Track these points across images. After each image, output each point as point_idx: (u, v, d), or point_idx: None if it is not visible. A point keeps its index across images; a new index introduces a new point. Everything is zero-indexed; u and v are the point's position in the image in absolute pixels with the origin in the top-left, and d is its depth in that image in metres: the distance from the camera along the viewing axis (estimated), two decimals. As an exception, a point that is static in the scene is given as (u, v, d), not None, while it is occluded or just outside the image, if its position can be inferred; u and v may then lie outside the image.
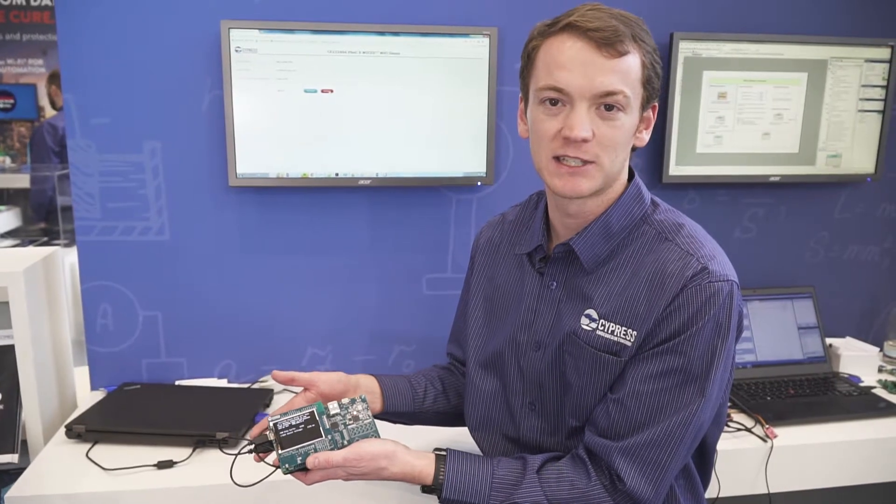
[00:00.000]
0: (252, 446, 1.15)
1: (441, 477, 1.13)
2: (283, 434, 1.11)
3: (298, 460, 1.10)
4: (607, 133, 1.07)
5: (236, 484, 1.20)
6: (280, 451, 1.10)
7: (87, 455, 1.55)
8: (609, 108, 1.06)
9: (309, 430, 1.12)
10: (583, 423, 1.19)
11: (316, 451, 1.10)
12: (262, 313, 1.97)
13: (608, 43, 1.04)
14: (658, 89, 1.12)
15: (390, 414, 1.35)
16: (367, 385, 1.32)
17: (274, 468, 1.14)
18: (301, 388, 1.27)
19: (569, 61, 1.06)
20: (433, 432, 1.50)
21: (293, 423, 1.13)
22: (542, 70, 1.09)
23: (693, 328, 1.08)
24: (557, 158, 1.09)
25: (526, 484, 1.11)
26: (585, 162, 1.08)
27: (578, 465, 1.14)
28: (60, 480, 1.46)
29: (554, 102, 1.08)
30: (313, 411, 1.14)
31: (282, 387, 1.93)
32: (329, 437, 1.12)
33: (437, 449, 1.17)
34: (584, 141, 1.06)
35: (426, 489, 1.15)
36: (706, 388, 1.09)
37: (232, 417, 1.66)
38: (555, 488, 1.11)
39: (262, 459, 1.16)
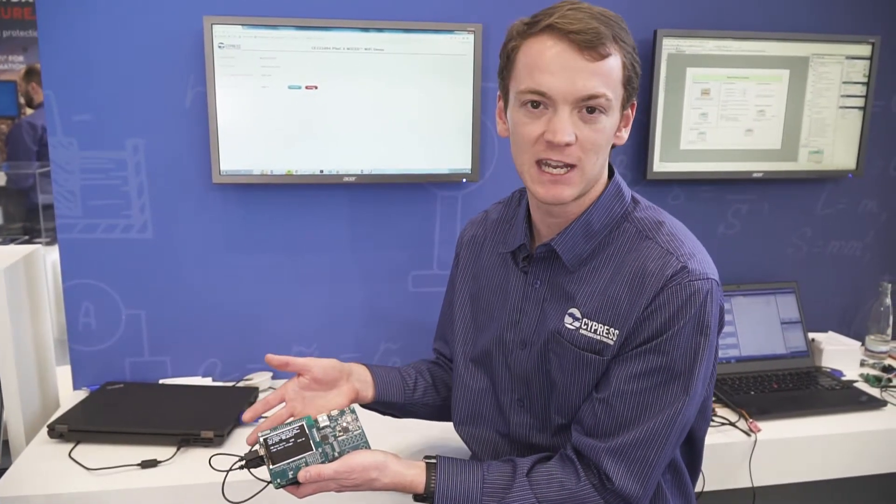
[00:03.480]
0: (242, 462, 1.15)
1: (432, 485, 1.13)
2: (273, 449, 1.11)
3: (290, 475, 1.10)
4: (590, 136, 1.07)
5: (230, 502, 1.20)
6: (271, 467, 1.10)
7: (69, 455, 1.53)
8: (591, 110, 1.06)
9: (299, 444, 1.12)
10: (568, 421, 1.19)
11: (307, 464, 1.10)
12: (247, 311, 1.96)
13: (590, 46, 1.03)
14: (637, 88, 1.12)
15: (381, 404, 1.35)
16: (359, 373, 1.31)
17: (265, 483, 1.14)
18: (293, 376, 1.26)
19: (550, 64, 1.05)
20: (425, 427, 1.50)
21: (283, 437, 1.13)
22: (524, 72, 1.08)
23: (674, 327, 1.08)
24: (539, 163, 1.09)
25: (516, 487, 1.12)
26: (567, 167, 1.08)
27: (567, 465, 1.14)
28: (43, 481, 1.44)
29: (536, 105, 1.07)
30: (303, 425, 1.14)
31: (267, 385, 1.92)
32: (319, 450, 1.12)
33: (426, 456, 1.17)
34: (568, 145, 1.06)
35: (417, 498, 1.15)
36: (690, 387, 1.10)
37: (216, 416, 1.65)
38: (545, 489, 1.12)
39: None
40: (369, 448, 1.15)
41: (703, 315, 1.09)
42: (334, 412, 1.17)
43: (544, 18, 1.06)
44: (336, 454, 1.13)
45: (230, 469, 1.17)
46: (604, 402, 1.12)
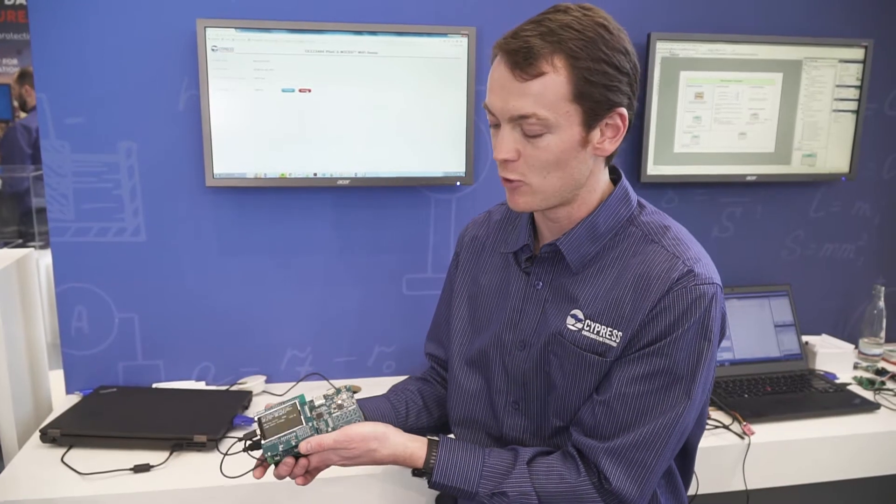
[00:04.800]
0: (244, 444, 1.18)
1: (432, 461, 1.14)
2: (266, 426, 1.16)
3: (280, 448, 1.13)
4: (532, 153, 1.07)
5: (225, 476, 1.23)
6: (263, 442, 1.14)
7: (62, 460, 1.53)
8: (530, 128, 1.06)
9: (290, 420, 1.16)
10: (567, 424, 1.19)
11: (297, 438, 1.14)
12: (241, 315, 1.95)
13: (519, 66, 1.03)
14: (605, 100, 1.06)
15: None
16: None
17: (260, 461, 1.16)
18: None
19: (493, 83, 1.08)
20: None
21: (276, 415, 1.17)
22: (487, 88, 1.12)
23: (678, 330, 1.08)
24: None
25: (515, 474, 1.13)
26: (516, 181, 1.10)
27: (569, 460, 1.14)
28: (35, 485, 1.44)
29: (493, 120, 1.11)
30: (295, 403, 1.18)
31: (261, 389, 1.92)
32: (310, 424, 1.16)
33: (430, 436, 1.19)
34: (506, 161, 1.08)
35: (416, 472, 1.17)
36: (692, 391, 1.10)
37: (210, 420, 1.64)
38: (543, 481, 1.12)
39: (263, 475, 1.17)
40: (363, 421, 1.18)
41: (707, 320, 1.09)
42: (330, 391, 1.21)
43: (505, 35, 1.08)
44: (329, 429, 1.16)
45: (229, 449, 1.23)
46: (604, 403, 1.12)
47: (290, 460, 1.15)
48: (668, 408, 1.09)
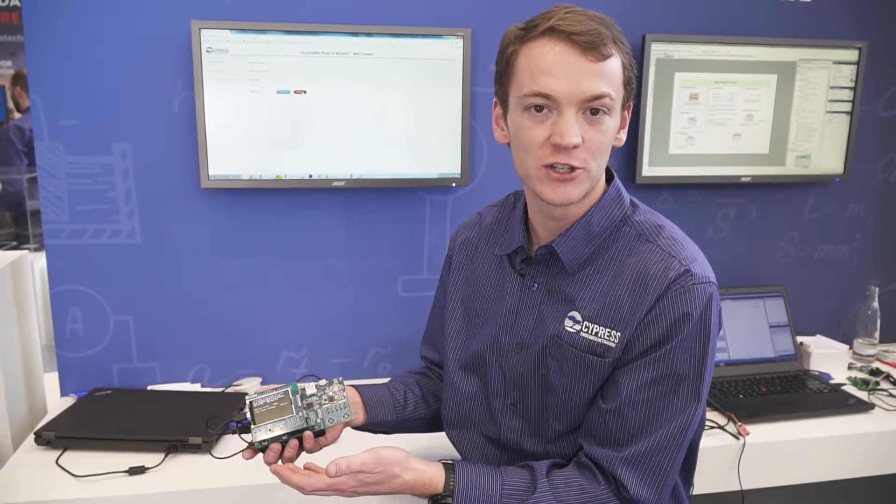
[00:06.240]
0: (236, 426, 1.19)
1: (451, 484, 1.11)
2: (257, 411, 1.16)
3: (269, 435, 1.14)
4: (595, 138, 1.06)
5: (215, 458, 1.22)
6: (252, 426, 1.15)
7: (56, 462, 1.53)
8: (595, 111, 1.05)
9: (281, 408, 1.17)
10: (567, 427, 1.19)
11: (287, 426, 1.14)
12: (236, 317, 1.95)
13: (593, 47, 1.03)
14: (634, 89, 1.12)
15: (373, 424, 1.34)
16: (349, 397, 1.30)
17: (249, 444, 1.16)
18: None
19: (554, 66, 1.04)
20: (414, 437, 1.48)
21: (267, 400, 1.18)
22: (526, 76, 1.07)
23: (682, 333, 1.08)
24: (546, 167, 1.08)
25: (539, 491, 1.10)
26: (574, 168, 1.07)
27: (585, 470, 1.13)
28: (30, 488, 1.43)
29: (539, 109, 1.06)
30: (287, 390, 1.19)
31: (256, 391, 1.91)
32: (300, 414, 1.16)
33: (442, 460, 1.17)
34: (575, 147, 1.05)
35: (433, 499, 1.13)
36: (700, 391, 1.10)
37: (205, 422, 1.64)
38: (563, 492, 1.11)
39: (252, 457, 1.17)
40: (352, 418, 1.19)
41: (707, 319, 1.09)
42: (323, 382, 1.22)
43: (542, 22, 1.06)
44: (319, 420, 1.17)
45: (219, 429, 1.24)
46: (614, 412, 1.12)
47: (276, 447, 1.15)
48: (679, 410, 1.10)
